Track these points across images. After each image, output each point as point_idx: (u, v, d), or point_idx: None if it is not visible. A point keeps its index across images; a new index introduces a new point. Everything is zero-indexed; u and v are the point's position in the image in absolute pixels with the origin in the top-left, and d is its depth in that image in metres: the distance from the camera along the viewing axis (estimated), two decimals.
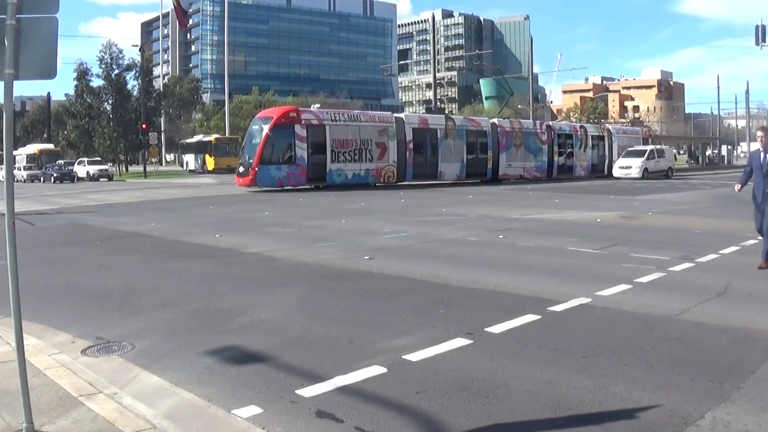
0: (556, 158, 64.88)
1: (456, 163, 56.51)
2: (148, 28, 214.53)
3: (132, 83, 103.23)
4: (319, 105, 57.85)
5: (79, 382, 8.16)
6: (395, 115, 55.16)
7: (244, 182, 46.86)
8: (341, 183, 48.54)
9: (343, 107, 73.64)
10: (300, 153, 46.97)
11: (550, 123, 70.46)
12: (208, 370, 8.73)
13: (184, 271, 16.36)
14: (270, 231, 23.38)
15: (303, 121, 47.23)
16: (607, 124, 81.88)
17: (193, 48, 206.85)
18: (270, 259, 17.59)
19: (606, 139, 71.10)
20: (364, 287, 13.76)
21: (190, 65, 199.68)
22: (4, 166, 7.01)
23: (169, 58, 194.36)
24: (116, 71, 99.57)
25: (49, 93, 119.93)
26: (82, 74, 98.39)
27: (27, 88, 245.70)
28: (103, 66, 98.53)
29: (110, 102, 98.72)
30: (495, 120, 62.51)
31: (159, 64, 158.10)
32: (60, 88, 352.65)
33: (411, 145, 53.15)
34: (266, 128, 46.94)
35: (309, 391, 7.76)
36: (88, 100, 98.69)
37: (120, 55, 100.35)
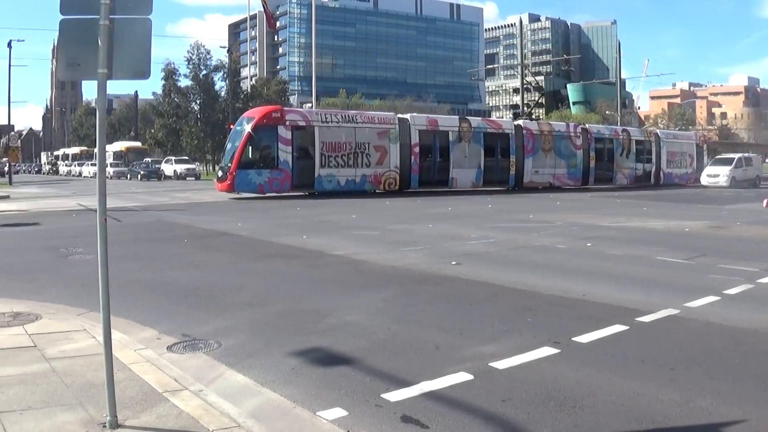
0: (592, 164, 58.95)
1: (471, 169, 51.79)
2: (235, 29, 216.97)
3: (220, 84, 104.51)
4: (310, 105, 56.64)
5: (164, 378, 8.25)
6: (399, 116, 50.88)
7: (222, 187, 43.58)
8: (332, 190, 44.92)
9: (431, 111, 70.15)
10: (283, 157, 43.37)
11: (587, 126, 64.03)
12: (293, 371, 8.75)
13: (270, 271, 16.47)
14: (357, 234, 23.40)
15: (287, 122, 43.70)
16: (655, 128, 75.25)
17: (280, 50, 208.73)
18: (357, 262, 17.59)
19: (653, 144, 65.31)
20: (451, 292, 13.69)
21: (278, 67, 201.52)
22: (96, 163, 7.04)
23: (257, 59, 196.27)
24: (204, 72, 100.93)
25: (136, 92, 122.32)
26: (170, 74, 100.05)
27: (114, 87, 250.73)
28: (191, 66, 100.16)
29: (198, 102, 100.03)
30: (520, 122, 58.00)
31: (246, 66, 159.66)
32: (146, 86, 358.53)
33: (417, 149, 48.85)
34: (248, 129, 43.79)
35: (394, 396, 7.74)
36: (175, 99, 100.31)
37: (208, 56, 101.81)
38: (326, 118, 46.38)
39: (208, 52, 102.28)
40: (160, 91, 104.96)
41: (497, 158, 53.23)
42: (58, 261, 18.28)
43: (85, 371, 8.42)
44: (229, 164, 43.05)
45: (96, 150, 7.19)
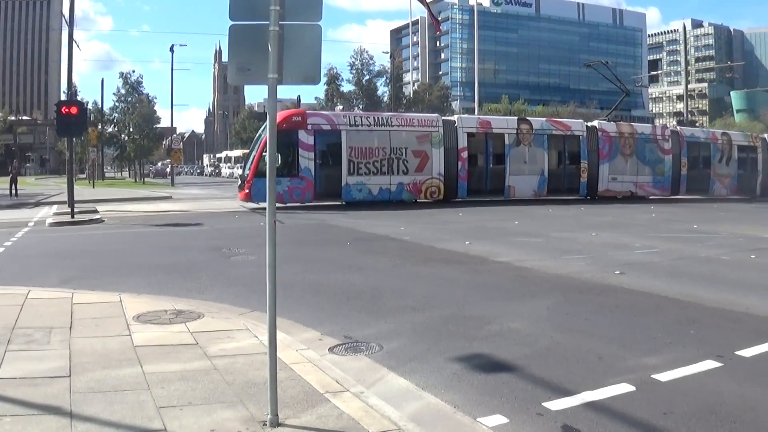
0: (684, 171, 51.42)
1: (533, 176, 46.10)
2: (397, 35, 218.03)
3: (382, 89, 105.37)
4: (338, 108, 52.42)
5: (325, 379, 8.39)
6: (445, 118, 46.88)
7: (241, 197, 40.23)
8: (363, 200, 40.72)
9: (594, 118, 64.16)
10: (305, 164, 39.60)
11: (678, 128, 56.36)
12: (455, 376, 8.80)
13: (433, 276, 16.51)
14: (519, 240, 23.23)
15: (309, 126, 39.92)
16: (764, 134, 62.26)
17: (442, 56, 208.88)
18: (519, 269, 17.50)
19: (760, 150, 56.27)
20: (614, 302, 13.50)
21: (440, 73, 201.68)
22: (266, 166, 7.17)
23: (419, 65, 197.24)
24: (367, 77, 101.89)
25: (299, 96, 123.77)
26: (333, 79, 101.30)
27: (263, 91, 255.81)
28: (354, 72, 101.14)
29: (360, 107, 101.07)
30: (595, 123, 50.72)
31: (409, 71, 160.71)
32: (309, 91, 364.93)
33: (465, 154, 43.82)
34: (265, 134, 40.48)
35: (556, 405, 7.69)
36: (338, 104, 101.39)
37: (371, 62, 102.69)
38: (355, 121, 42.04)
39: (371, 58, 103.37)
40: (322, 96, 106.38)
41: (565, 164, 47.95)
42: (221, 261, 18.80)
43: (246, 370, 8.59)
44: (247, 173, 39.95)
45: (267, 153, 7.29)
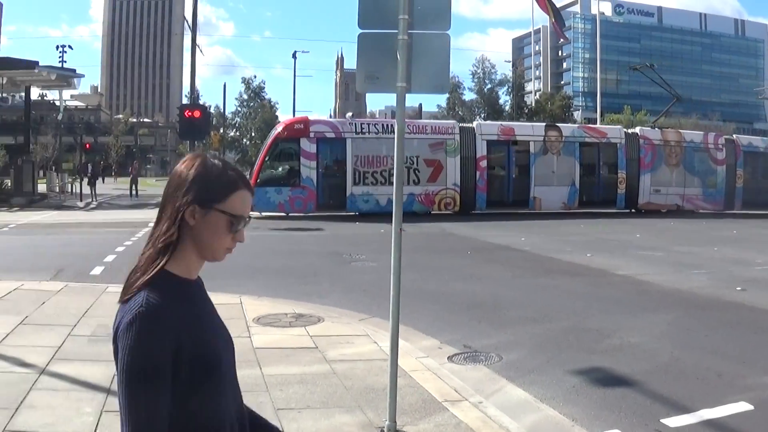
0: (739, 184, 45.96)
1: (561, 186, 42.29)
2: (519, 44, 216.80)
3: (504, 98, 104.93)
4: (349, 115, 49.63)
5: (444, 388, 8.42)
6: (463, 124, 44.01)
7: None
8: (369, 211, 37.95)
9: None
10: (306, 173, 38.13)
11: (734, 137, 50.40)
12: (574, 389, 8.75)
13: (553, 287, 16.41)
14: (640, 254, 22.84)
15: (312, 134, 38.26)
16: None
17: (564, 65, 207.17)
18: (640, 283, 17.24)
19: None
20: (736, 319, 13.21)
21: (561, 82, 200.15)
22: (393, 173, 7.23)
23: (540, 74, 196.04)
24: (489, 86, 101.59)
25: (420, 104, 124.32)
26: (454, 87, 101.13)
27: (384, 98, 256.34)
28: (476, 80, 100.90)
29: (482, 116, 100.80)
30: (637, 129, 47.13)
31: (530, 81, 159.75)
32: (431, 100, 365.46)
33: (484, 163, 40.81)
34: (267, 143, 40.12)
35: (674, 422, 7.60)
36: (459, 113, 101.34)
37: (492, 70, 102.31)
38: (362, 129, 39.85)
39: (493, 66, 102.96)
40: (444, 104, 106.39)
41: (599, 174, 44.05)
42: (341, 266, 19.01)
43: (365, 375, 8.65)
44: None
45: (395, 159, 7.31)
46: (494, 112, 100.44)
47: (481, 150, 40.58)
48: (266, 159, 38.63)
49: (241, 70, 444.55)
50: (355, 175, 38.53)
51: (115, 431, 6.82)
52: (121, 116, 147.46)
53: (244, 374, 8.55)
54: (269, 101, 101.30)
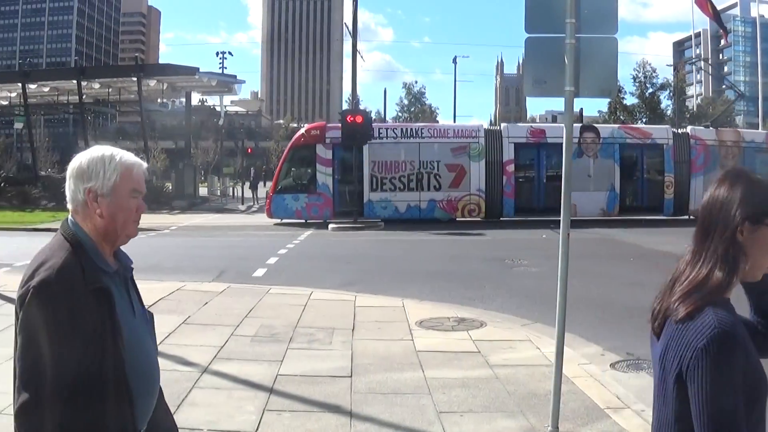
0: None
1: (599, 192, 39.18)
2: (679, 47, 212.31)
3: (665, 103, 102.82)
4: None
5: (606, 395, 8.38)
6: (489, 128, 42.91)
7: (266, 213, 38.82)
8: (389, 218, 37.29)
9: None
10: (322, 179, 37.53)
11: None
12: None
13: None
14: None
15: (328, 140, 37.51)
16: None
17: (725, 69, 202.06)
18: None
19: None
20: None
21: (723, 86, 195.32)
22: (563, 180, 7.32)
23: (702, 78, 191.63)
24: (650, 90, 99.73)
25: (581, 109, 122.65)
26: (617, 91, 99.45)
27: (550, 103, 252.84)
28: (637, 84, 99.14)
29: (643, 120, 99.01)
30: (688, 129, 43.19)
31: (692, 85, 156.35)
32: (590, 104, 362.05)
33: (511, 167, 38.62)
34: (286, 149, 40.26)
35: None
36: (621, 117, 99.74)
37: (653, 74, 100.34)
38: (380, 134, 38.29)
39: (654, 70, 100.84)
40: (605, 109, 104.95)
41: (642, 177, 40.69)
42: (503, 271, 19.00)
43: (527, 381, 8.61)
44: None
45: (563, 165, 7.25)
46: (655, 116, 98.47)
47: (509, 154, 38.59)
48: (283, 166, 38.63)
49: (401, 75, 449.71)
50: (373, 181, 37.86)
51: (278, 429, 6.97)
52: (281, 121, 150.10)
53: (406, 377, 8.69)
54: (430, 106, 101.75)
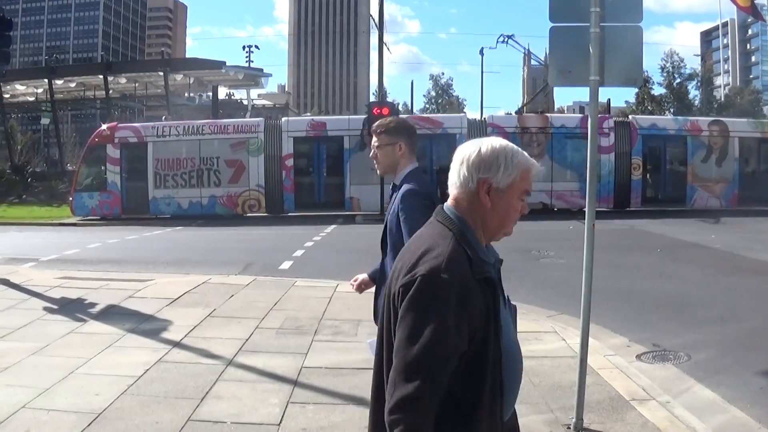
0: (636, 176, 39.09)
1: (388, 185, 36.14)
2: (707, 37, 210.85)
3: (693, 93, 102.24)
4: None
5: (631, 386, 8.39)
6: (270, 122, 41.21)
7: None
8: (173, 214, 37.79)
9: None
10: (112, 178, 38.07)
11: (630, 118, 43.60)
12: (761, 391, 8.51)
13: (743, 287, 15.86)
14: None
15: (116, 140, 38.05)
16: None
17: (753, 59, 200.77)
18: None
19: None
20: None
21: (750, 76, 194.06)
22: (587, 170, 7.28)
23: (729, 68, 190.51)
24: (678, 80, 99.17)
25: (609, 99, 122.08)
26: (643, 81, 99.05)
27: (578, 94, 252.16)
28: (665, 74, 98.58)
29: (671, 111, 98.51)
30: (486, 117, 42.83)
31: (719, 75, 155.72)
32: (618, 94, 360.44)
33: (290, 162, 38.44)
34: (85, 149, 41.20)
35: None
36: (649, 108, 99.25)
37: (681, 65, 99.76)
38: (164, 132, 38.51)
39: (682, 60, 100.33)
40: (632, 100, 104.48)
41: (433, 169, 36.59)
42: (529, 262, 19.00)
43: (552, 372, 8.63)
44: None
45: (588, 157, 7.25)
46: (683, 107, 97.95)
47: (288, 148, 38.47)
48: (80, 166, 40.26)
49: (428, 67, 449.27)
50: (157, 178, 38.12)
51: (302, 422, 7.01)
52: (309, 114, 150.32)
53: None
54: (457, 98, 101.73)
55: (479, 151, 3.02)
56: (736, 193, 38.65)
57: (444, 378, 2.78)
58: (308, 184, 39.08)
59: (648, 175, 39.69)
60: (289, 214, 37.91)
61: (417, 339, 2.75)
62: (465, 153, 3.05)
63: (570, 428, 6.95)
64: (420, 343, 2.75)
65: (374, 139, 5.55)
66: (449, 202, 3.09)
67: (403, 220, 5.18)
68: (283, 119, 41.73)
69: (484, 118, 41.49)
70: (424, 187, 5.38)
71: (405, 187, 5.35)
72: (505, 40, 60.26)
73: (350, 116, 46.47)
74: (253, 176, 38.00)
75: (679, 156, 39.57)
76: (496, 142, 3.06)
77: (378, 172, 5.80)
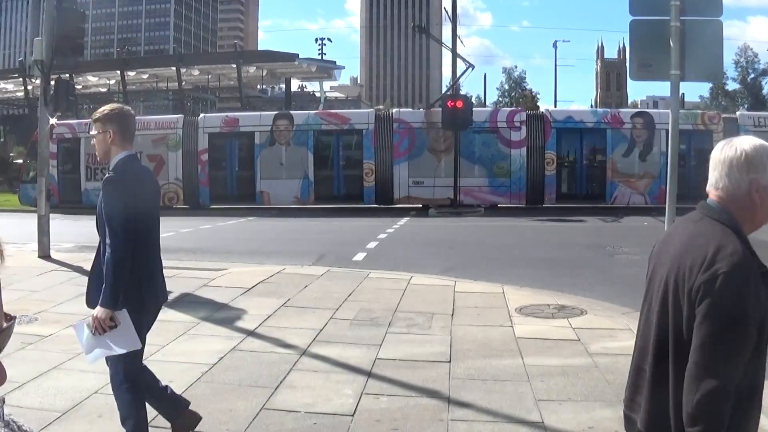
0: (550, 172, 38.01)
1: (292, 180, 38.60)
2: None
3: (767, 89, 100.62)
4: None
5: None
6: (189, 118, 42.41)
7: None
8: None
9: None
10: (50, 171, 36.64)
11: (544, 110, 42.70)
12: None
13: None
14: None
15: (54, 136, 37.87)
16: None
17: None
18: None
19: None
20: None
21: None
22: (668, 165, 7.13)
23: None
24: (752, 75, 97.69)
25: (683, 93, 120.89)
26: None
27: (651, 87, 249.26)
28: (739, 69, 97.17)
29: (745, 106, 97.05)
30: (392, 111, 42.00)
31: None
32: (692, 89, 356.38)
33: (206, 156, 39.59)
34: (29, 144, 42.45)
35: None
36: (723, 103, 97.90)
37: (755, 59, 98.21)
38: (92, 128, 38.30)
39: (756, 55, 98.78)
40: (707, 95, 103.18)
41: (338, 165, 39.64)
42: (604, 259, 18.82)
43: (627, 370, 8.37)
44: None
45: (669, 150, 7.18)
46: (757, 102, 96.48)
47: (203, 143, 39.63)
48: (27, 159, 42.61)
49: (500, 60, 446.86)
50: (87, 171, 40.37)
51: (375, 413, 7.00)
52: (381, 106, 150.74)
53: (505, 363, 8.66)
54: (530, 91, 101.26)
55: (745, 152, 3.10)
56: (663, 189, 31.80)
57: (741, 370, 2.90)
58: (222, 178, 40.24)
59: (563, 171, 38.51)
60: (206, 207, 39.13)
61: (725, 335, 2.86)
62: (728, 155, 3.14)
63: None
64: (727, 339, 2.86)
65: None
66: (715, 199, 3.19)
67: (102, 206, 5.85)
68: (201, 116, 42.92)
69: (391, 113, 40.75)
70: (127, 174, 5.91)
71: (107, 175, 5.96)
72: None
73: (261, 113, 46.22)
74: (172, 170, 39.58)
75: (598, 150, 38.34)
76: (756, 141, 3.15)
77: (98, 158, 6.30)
